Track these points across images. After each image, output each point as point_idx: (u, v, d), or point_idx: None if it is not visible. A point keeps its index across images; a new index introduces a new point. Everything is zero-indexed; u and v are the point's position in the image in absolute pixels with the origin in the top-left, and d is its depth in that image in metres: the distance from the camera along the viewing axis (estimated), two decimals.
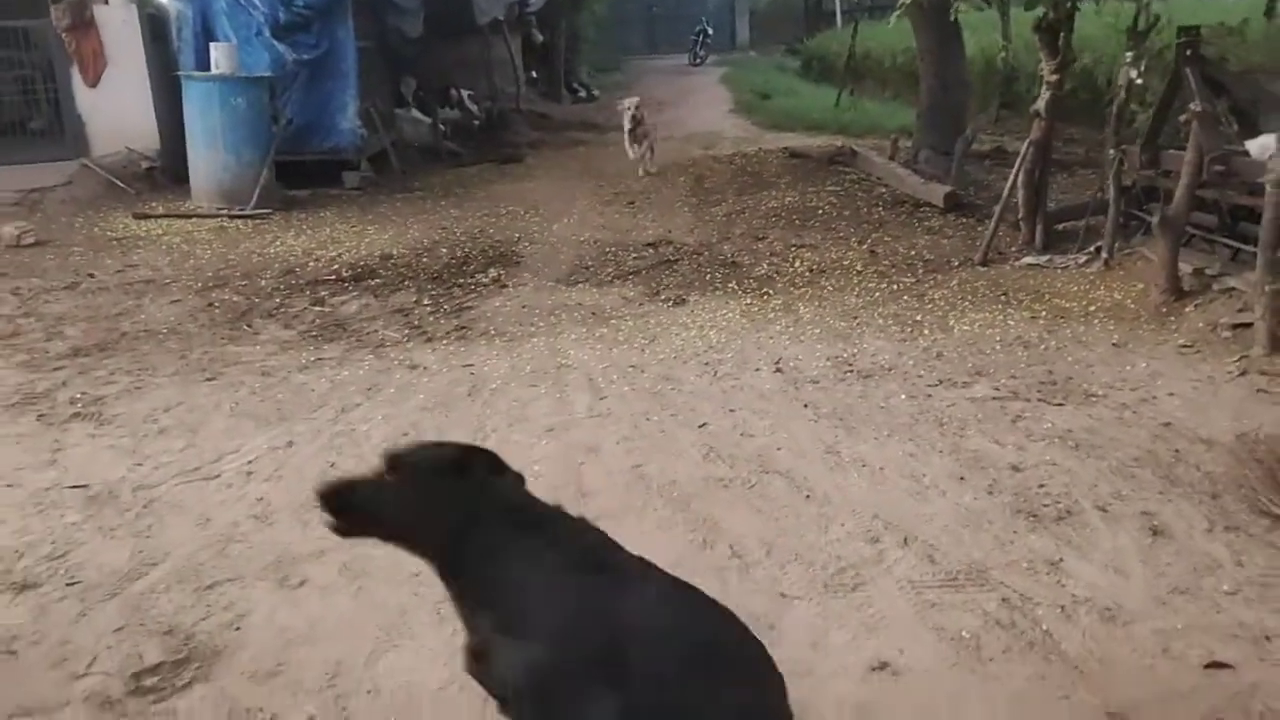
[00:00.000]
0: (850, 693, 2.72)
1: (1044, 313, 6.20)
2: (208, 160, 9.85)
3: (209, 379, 5.32)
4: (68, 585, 3.30)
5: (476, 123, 15.45)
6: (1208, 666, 2.79)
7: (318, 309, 6.70)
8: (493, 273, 7.52)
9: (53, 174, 10.44)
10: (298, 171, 10.65)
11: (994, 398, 4.87)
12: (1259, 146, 5.42)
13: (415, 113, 14.09)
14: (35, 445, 4.50)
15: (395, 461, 2.13)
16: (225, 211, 9.56)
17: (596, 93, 22.06)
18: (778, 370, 5.31)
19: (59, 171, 10.49)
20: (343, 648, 2.95)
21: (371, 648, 2.95)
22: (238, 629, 3.06)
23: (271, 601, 3.21)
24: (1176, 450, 4.20)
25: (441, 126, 13.98)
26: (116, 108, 10.87)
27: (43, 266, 7.75)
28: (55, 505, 3.91)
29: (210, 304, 6.79)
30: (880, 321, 6.16)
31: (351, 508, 2.11)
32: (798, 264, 7.54)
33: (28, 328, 6.27)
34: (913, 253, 7.80)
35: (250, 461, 4.29)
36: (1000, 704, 2.67)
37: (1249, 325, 5.30)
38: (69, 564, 3.46)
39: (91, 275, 7.51)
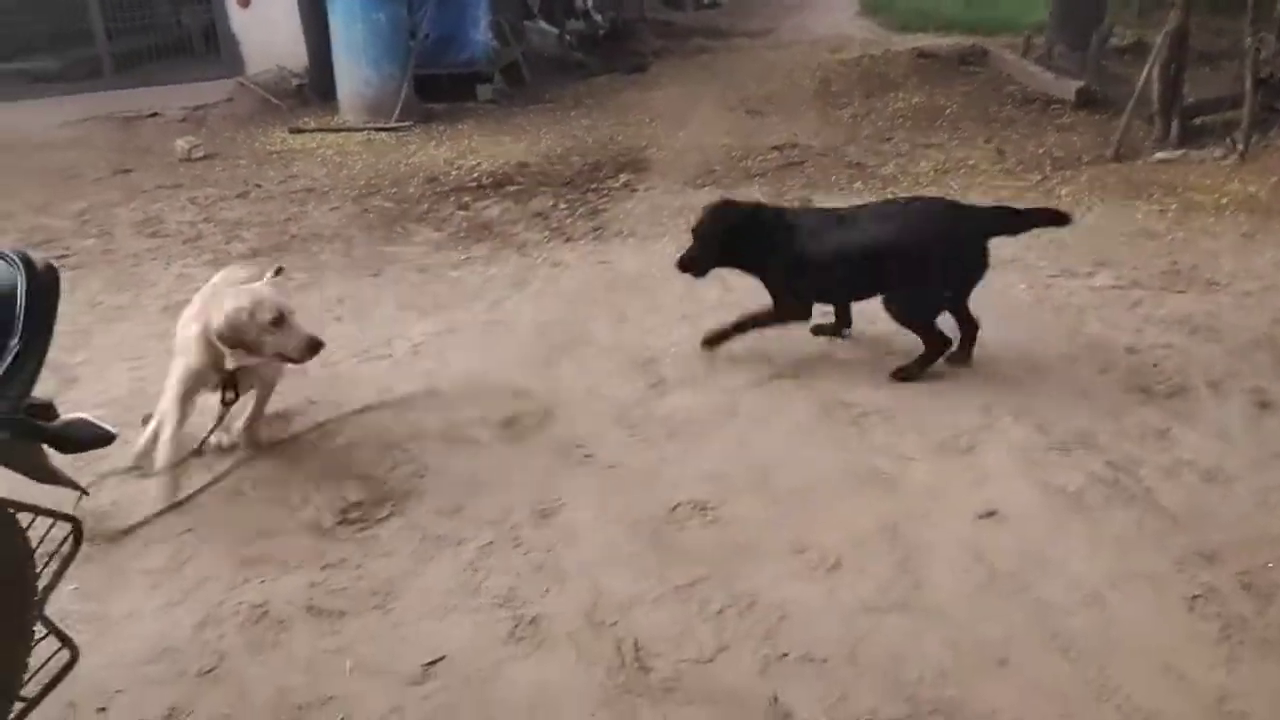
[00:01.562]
0: (960, 532, 3.04)
1: (1174, 206, 6.20)
2: (352, 75, 10.38)
3: (373, 275, 5.86)
4: (276, 445, 3.86)
5: (602, 33, 15.62)
6: None
7: (463, 213, 7.16)
8: (623, 178, 7.85)
9: (212, 91, 11.18)
10: (434, 85, 11.11)
11: (1115, 286, 5.00)
12: None
13: (542, 24, 14.36)
14: None
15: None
16: (371, 125, 10.11)
17: None
18: None
19: (218, 89, 11.22)
20: (511, 492, 3.42)
21: (535, 492, 3.40)
22: (422, 477, 3.56)
23: (448, 455, 3.70)
24: None
25: (568, 37, 14.22)
26: (267, 27, 11.48)
27: (214, 177, 8.44)
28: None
29: (366, 210, 7.34)
30: None
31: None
32: (923, 164, 7.63)
33: (209, 232, 6.93)
34: (1041, 150, 7.79)
35: (416, 344, 4.79)
36: (1098, 544, 2.95)
37: None
38: (277, 424, 4.02)
39: (258, 185, 8.15)
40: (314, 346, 3.41)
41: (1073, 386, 3.98)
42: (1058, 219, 4.24)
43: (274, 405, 3.95)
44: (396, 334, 4.94)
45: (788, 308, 4.23)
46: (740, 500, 3.30)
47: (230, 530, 3.27)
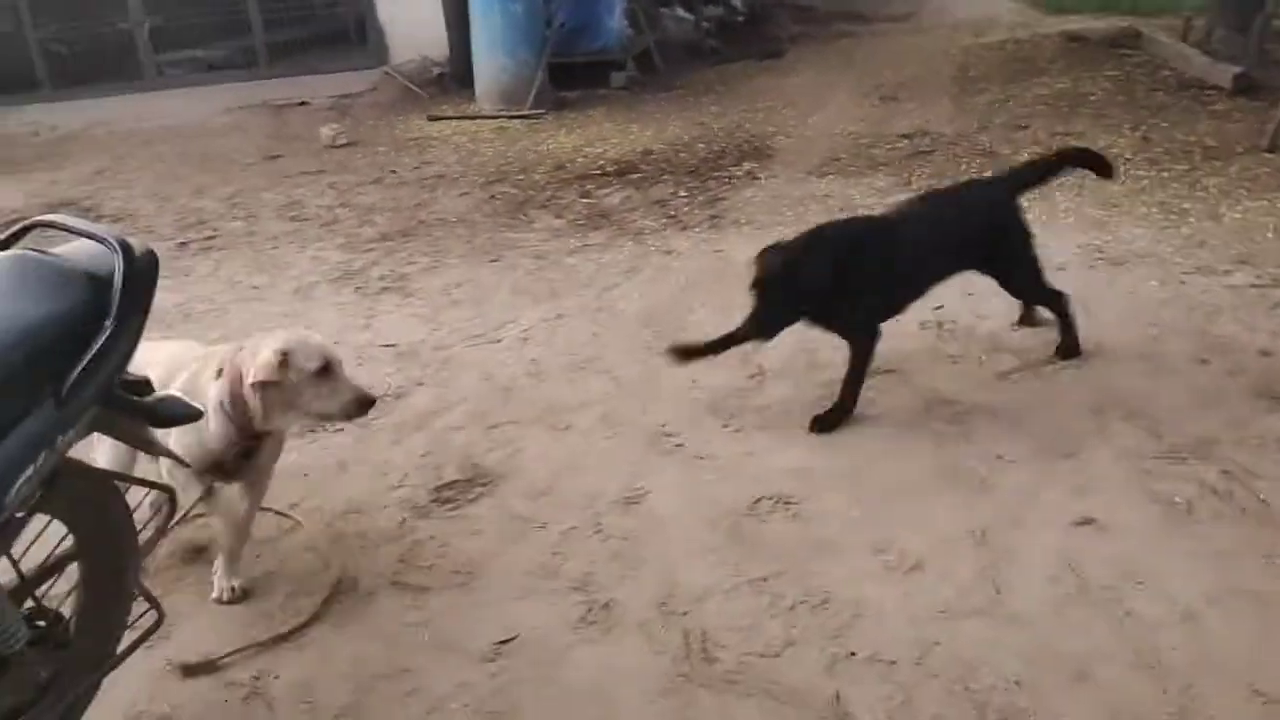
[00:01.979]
0: (1052, 539, 2.92)
1: None
2: (489, 63, 10.63)
3: (492, 260, 6.02)
4: (383, 420, 4.03)
5: (739, 18, 15.51)
6: None
7: (585, 201, 7.27)
8: (746, 165, 7.81)
9: (359, 80, 11.66)
10: (568, 73, 11.27)
11: (1254, 285, 4.70)
12: None
13: (679, 10, 14.37)
14: (354, 311, 5.34)
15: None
16: (505, 112, 10.35)
17: None
18: None
19: (364, 78, 11.70)
20: (599, 478, 3.48)
21: (623, 480, 3.45)
22: (515, 459, 3.65)
23: (543, 440, 3.78)
24: None
25: (704, 24, 14.19)
26: (412, 18, 11.89)
27: (354, 164, 8.80)
28: (372, 359, 4.69)
29: (492, 196, 7.53)
30: (1142, 209, 5.96)
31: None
32: None
33: (344, 216, 7.25)
34: (1191, 139, 7.35)
35: (525, 330, 4.91)
36: (1200, 558, 2.79)
37: None
38: (384, 405, 4.18)
39: (394, 171, 8.46)
40: (364, 404, 2.75)
41: (1196, 390, 3.77)
42: (1088, 160, 4.26)
43: (379, 385, 4.13)
44: (509, 319, 5.06)
45: (867, 339, 3.79)
46: (825, 496, 3.26)
47: (329, 503, 3.44)
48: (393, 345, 4.84)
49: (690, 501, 3.27)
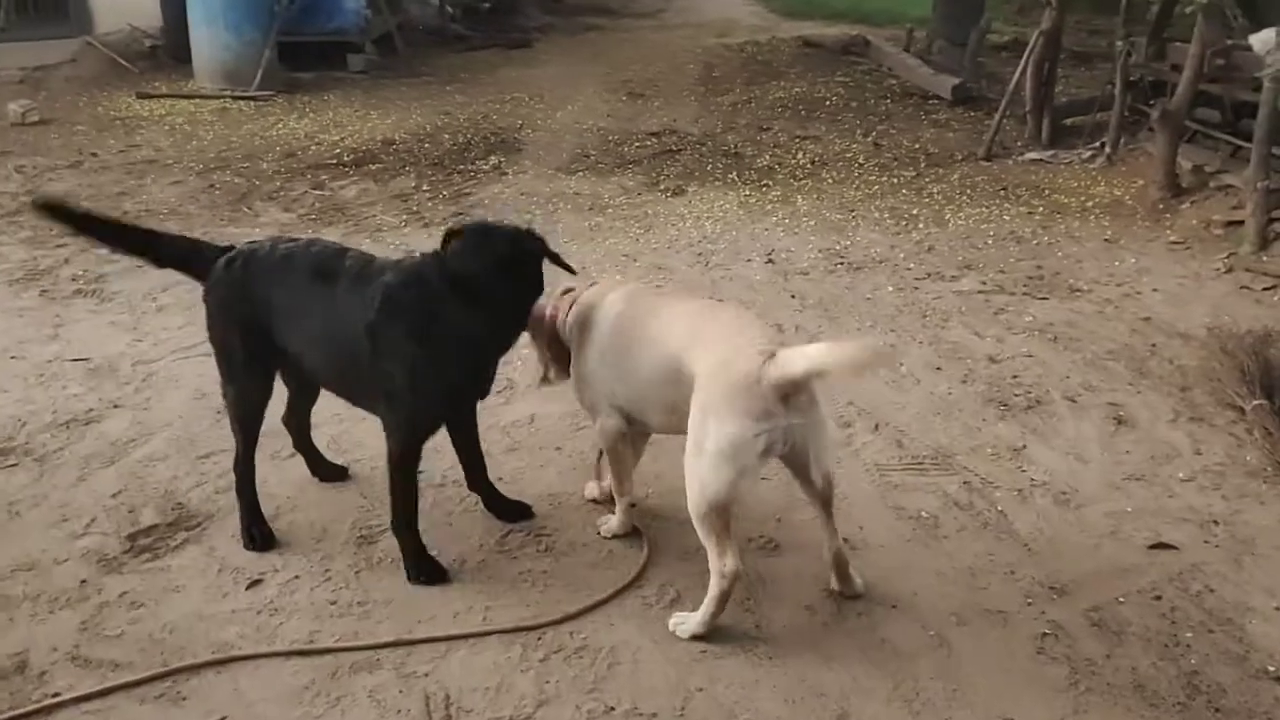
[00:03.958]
0: (809, 565, 2.84)
1: (1041, 208, 6.20)
2: (209, 39, 9.73)
3: None
4: (67, 452, 3.45)
5: (486, 5, 15.10)
6: (1152, 547, 2.91)
7: (317, 193, 6.73)
8: (493, 159, 7.51)
9: (57, 51, 10.35)
10: (302, 53, 10.51)
11: (980, 291, 4.93)
12: (1260, 41, 5.33)
13: None
14: (39, 319, 4.62)
15: None
16: (228, 92, 9.49)
17: None
18: (769, 261, 5.36)
19: (63, 49, 10.40)
20: (326, 512, 3.10)
21: (355, 514, 3.09)
22: (228, 496, 3.19)
23: (262, 470, 3.33)
24: (1153, 345, 4.27)
25: (449, 9, 13.71)
26: None
27: (47, 145, 7.77)
28: (57, 377, 4.05)
29: (211, 185, 6.83)
30: (876, 215, 6.17)
31: None
32: (800, 156, 7.50)
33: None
34: (917, 146, 7.75)
35: None
36: (949, 577, 2.80)
37: (1241, 223, 5.30)
38: (70, 433, 3.60)
39: (95, 154, 7.53)
40: None
41: (933, 398, 3.86)
42: None
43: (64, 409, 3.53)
44: None
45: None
46: (573, 528, 3.05)
47: None
48: (84, 360, 4.20)
49: (431, 537, 2.95)
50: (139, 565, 2.86)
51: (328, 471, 3.31)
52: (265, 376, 2.96)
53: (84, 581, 2.77)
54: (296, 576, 2.80)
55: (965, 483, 3.27)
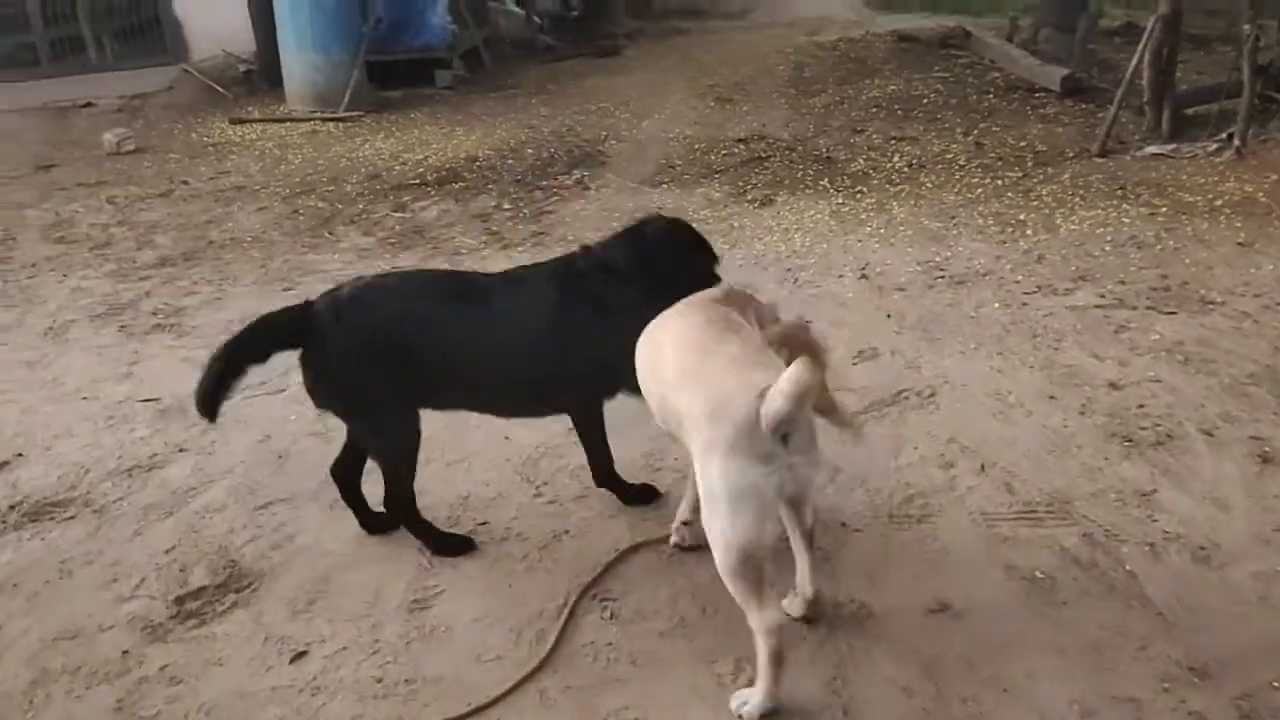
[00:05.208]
0: (905, 630, 2.53)
1: (1164, 208, 5.69)
2: (299, 61, 9.80)
3: (286, 289, 5.32)
4: (126, 503, 3.34)
5: (573, 13, 14.99)
6: None
7: (399, 215, 6.63)
8: (577, 174, 7.32)
9: (155, 79, 10.59)
10: (391, 71, 10.53)
11: (1098, 305, 4.49)
12: None
13: (509, 5, 13.75)
14: (115, 357, 4.58)
15: None
16: (318, 114, 9.53)
17: None
18: (863, 276, 5.01)
19: (161, 77, 10.64)
20: (382, 574, 2.91)
21: (410, 575, 2.89)
22: (282, 552, 3.04)
23: (319, 523, 3.18)
24: None
25: (536, 19, 13.62)
26: (212, 10, 10.90)
27: (140, 174, 7.87)
28: (126, 419, 3.97)
29: (295, 210, 6.79)
30: (980, 221, 5.75)
31: None
32: (896, 159, 7.10)
33: (120, 236, 6.39)
34: (1023, 144, 7.26)
35: None
36: (1070, 653, 2.44)
37: None
38: (132, 481, 3.50)
39: (185, 182, 7.59)
40: None
41: (1047, 433, 3.47)
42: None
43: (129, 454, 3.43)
44: (296, 364, 4.40)
45: None
46: (646, 590, 2.79)
47: (39, 625, 2.75)
48: (154, 400, 4.12)
49: (492, 603, 2.73)
50: (185, 633, 2.71)
51: (376, 523, 3.12)
52: (416, 417, 2.90)
53: (126, 652, 2.63)
54: (344, 648, 2.61)
55: (1086, 535, 2.89)
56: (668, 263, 2.93)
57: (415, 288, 3.01)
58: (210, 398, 2.76)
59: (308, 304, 2.89)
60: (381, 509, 3.06)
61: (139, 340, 4.78)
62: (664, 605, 2.70)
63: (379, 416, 2.86)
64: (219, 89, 10.56)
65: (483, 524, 3.13)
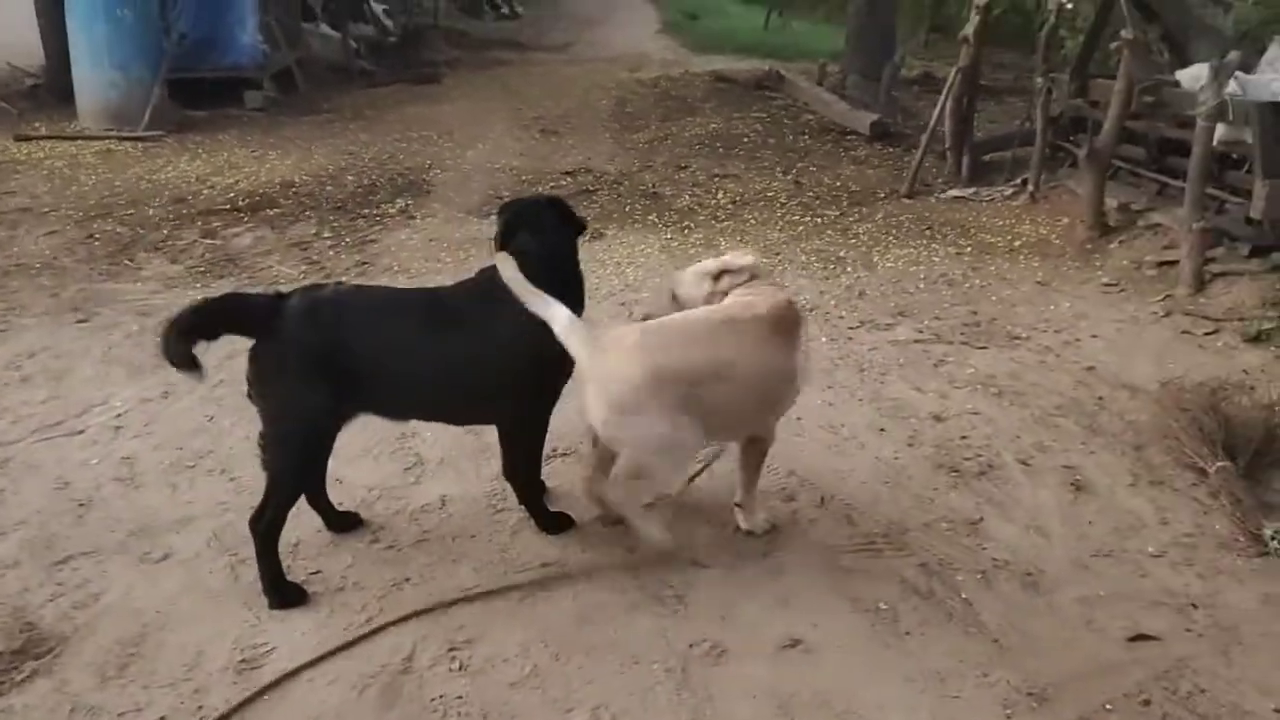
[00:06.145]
0: (760, 673, 2.52)
1: (969, 248, 6.05)
2: (93, 77, 9.16)
3: (81, 320, 4.91)
4: None
5: (391, 39, 14.72)
6: (1132, 640, 2.66)
7: (208, 241, 6.25)
8: (400, 203, 7.12)
9: None
10: (196, 90, 9.98)
11: (916, 340, 4.70)
12: (1190, 77, 5.25)
13: (324, 28, 13.35)
14: None
15: None
16: (114, 133, 8.92)
17: (520, 9, 21.22)
18: None
19: None
20: (203, 635, 2.67)
21: (237, 634, 2.67)
22: (88, 612, 2.75)
23: (129, 578, 2.90)
24: (1100, 397, 4.08)
25: (353, 43, 13.28)
26: None
27: None
28: None
29: (90, 235, 6.29)
30: (803, 258, 5.94)
31: None
32: (720, 195, 7.27)
33: None
34: (838, 184, 7.59)
35: (119, 414, 3.94)
36: (916, 683, 2.50)
37: (1174, 263, 5.21)
38: None
39: None
40: None
41: (879, 465, 3.58)
42: None
43: None
44: (97, 400, 4.06)
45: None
46: (499, 638, 2.68)
47: None
48: None
49: (330, 660, 2.55)
50: None
51: (342, 523, 3.12)
52: (338, 428, 2.82)
53: None
54: (163, 718, 2.37)
55: (923, 564, 2.99)
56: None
57: (372, 300, 2.96)
58: (186, 358, 2.62)
59: (280, 296, 2.77)
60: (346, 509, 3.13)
61: None
62: (514, 654, 2.60)
63: (299, 421, 2.73)
64: (1, 103, 9.73)
65: (315, 573, 2.93)
